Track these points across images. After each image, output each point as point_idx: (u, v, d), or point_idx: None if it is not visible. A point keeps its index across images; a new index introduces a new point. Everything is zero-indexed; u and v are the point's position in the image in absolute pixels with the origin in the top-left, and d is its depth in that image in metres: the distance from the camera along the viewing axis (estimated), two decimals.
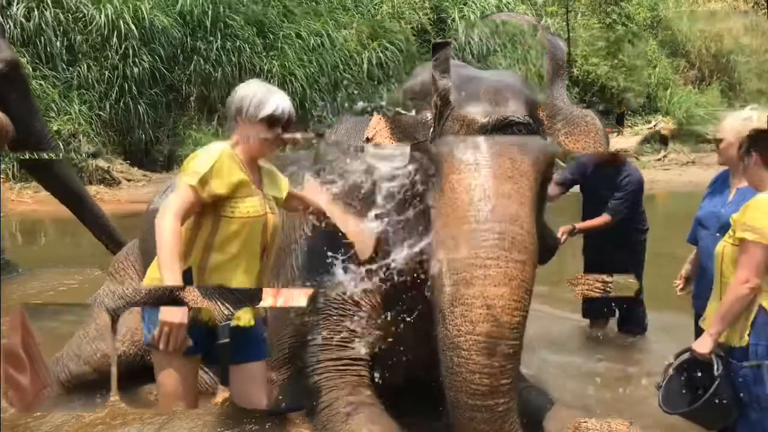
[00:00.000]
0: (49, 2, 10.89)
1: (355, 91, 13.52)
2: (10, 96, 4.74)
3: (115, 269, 3.77)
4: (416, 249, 2.44)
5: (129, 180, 10.99)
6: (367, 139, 2.77)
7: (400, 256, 2.52)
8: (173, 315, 2.20)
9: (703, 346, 2.53)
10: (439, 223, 2.26)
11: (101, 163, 10.73)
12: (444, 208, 2.25)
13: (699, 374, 2.55)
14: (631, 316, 4.41)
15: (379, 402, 2.67)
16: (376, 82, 13.83)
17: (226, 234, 2.32)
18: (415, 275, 2.45)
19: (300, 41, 13.17)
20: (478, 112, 2.37)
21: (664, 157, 18.46)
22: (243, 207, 2.33)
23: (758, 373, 2.45)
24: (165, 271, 2.14)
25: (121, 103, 11.39)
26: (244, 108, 2.36)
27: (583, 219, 4.29)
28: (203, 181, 2.26)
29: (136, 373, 3.57)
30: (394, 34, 13.96)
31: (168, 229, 2.17)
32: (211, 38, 12.36)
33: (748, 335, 2.45)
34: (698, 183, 15.53)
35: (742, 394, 2.51)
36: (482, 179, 2.22)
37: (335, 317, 2.81)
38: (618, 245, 4.23)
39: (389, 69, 13.88)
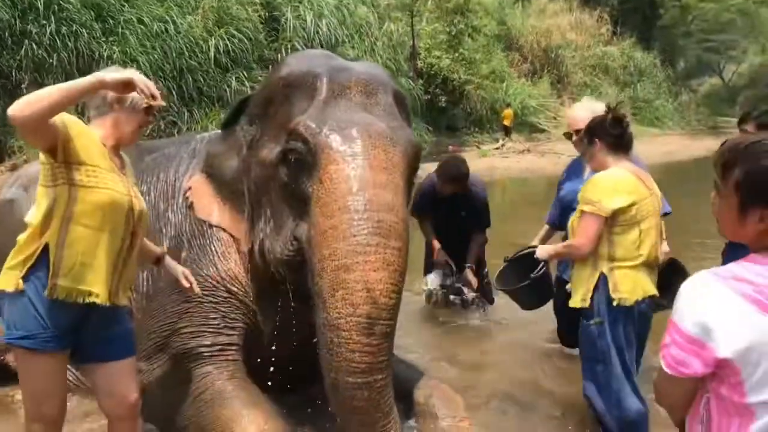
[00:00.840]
0: None
1: (202, 79, 13.20)
2: None
3: None
4: (292, 237, 2.51)
5: None
6: (187, 194, 2.89)
7: (275, 244, 2.59)
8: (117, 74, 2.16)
9: (543, 254, 3.17)
10: (318, 212, 2.35)
11: None
12: (323, 197, 2.34)
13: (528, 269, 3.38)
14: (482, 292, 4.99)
15: (255, 386, 2.74)
16: (223, 70, 13.56)
17: (86, 204, 2.20)
18: (290, 263, 2.53)
19: (142, 27, 12.65)
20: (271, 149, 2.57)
21: (503, 145, 19.60)
22: (102, 178, 2.23)
23: (601, 329, 2.83)
24: (72, 86, 2.07)
25: None
26: (130, 95, 2.31)
27: (443, 241, 4.88)
28: (63, 123, 2.15)
29: None
30: (241, 22, 13.75)
31: (37, 92, 2.03)
32: (44, 22, 11.58)
33: (591, 298, 2.83)
34: (534, 169, 16.75)
35: (588, 350, 2.90)
36: (359, 170, 2.34)
37: (207, 304, 2.84)
38: (466, 242, 4.91)
39: (237, 56, 13.66)
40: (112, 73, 2.14)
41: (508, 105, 20.98)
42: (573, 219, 2.93)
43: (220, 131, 2.95)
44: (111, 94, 2.31)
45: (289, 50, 14.19)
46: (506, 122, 20.21)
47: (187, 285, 2.63)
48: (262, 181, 2.63)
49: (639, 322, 2.85)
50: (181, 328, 2.84)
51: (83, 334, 2.29)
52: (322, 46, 14.55)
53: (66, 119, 2.17)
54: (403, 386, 2.77)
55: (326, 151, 2.38)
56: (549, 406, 3.42)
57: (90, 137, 2.26)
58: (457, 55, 19.50)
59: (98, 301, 2.25)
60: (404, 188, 2.41)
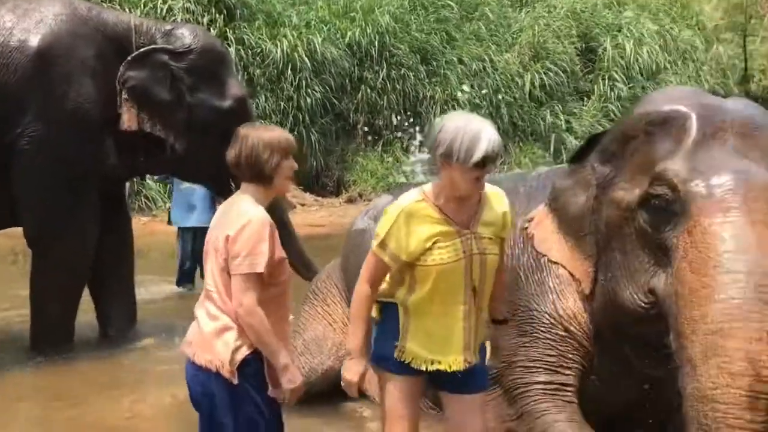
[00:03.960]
0: (232, 39, 11.72)
1: (517, 113, 13.44)
2: None
3: (318, 288, 3.99)
4: (646, 288, 2.38)
5: (302, 204, 11.53)
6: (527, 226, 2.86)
7: (624, 291, 2.47)
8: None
9: None
10: (686, 267, 2.18)
11: None
12: (692, 252, 2.17)
13: None
14: None
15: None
16: (537, 104, 13.68)
17: (419, 276, 2.30)
18: (642, 315, 2.41)
19: (462, 66, 13.31)
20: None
21: None
22: (430, 257, 2.27)
23: None
24: (350, 331, 2.42)
25: (295, 132, 12.02)
26: (454, 154, 2.19)
27: None
28: (383, 245, 2.28)
29: (339, 388, 3.75)
30: (557, 55, 13.76)
31: (357, 294, 2.35)
32: (377, 68, 12.77)
33: None
34: None
35: None
36: (738, 226, 2.13)
37: (543, 340, 2.81)
38: None
39: (552, 90, 13.69)
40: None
41: None
42: None
43: (565, 166, 2.93)
44: (438, 153, 2.24)
45: (606, 81, 13.84)
46: None
47: None
48: (614, 223, 2.52)
49: None
50: (516, 362, 2.85)
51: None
52: (642, 75, 13.95)
53: (382, 239, 2.28)
54: None
55: (698, 202, 2.20)
56: None
57: (404, 231, 2.27)
58: None
59: (443, 368, 2.31)
60: None
